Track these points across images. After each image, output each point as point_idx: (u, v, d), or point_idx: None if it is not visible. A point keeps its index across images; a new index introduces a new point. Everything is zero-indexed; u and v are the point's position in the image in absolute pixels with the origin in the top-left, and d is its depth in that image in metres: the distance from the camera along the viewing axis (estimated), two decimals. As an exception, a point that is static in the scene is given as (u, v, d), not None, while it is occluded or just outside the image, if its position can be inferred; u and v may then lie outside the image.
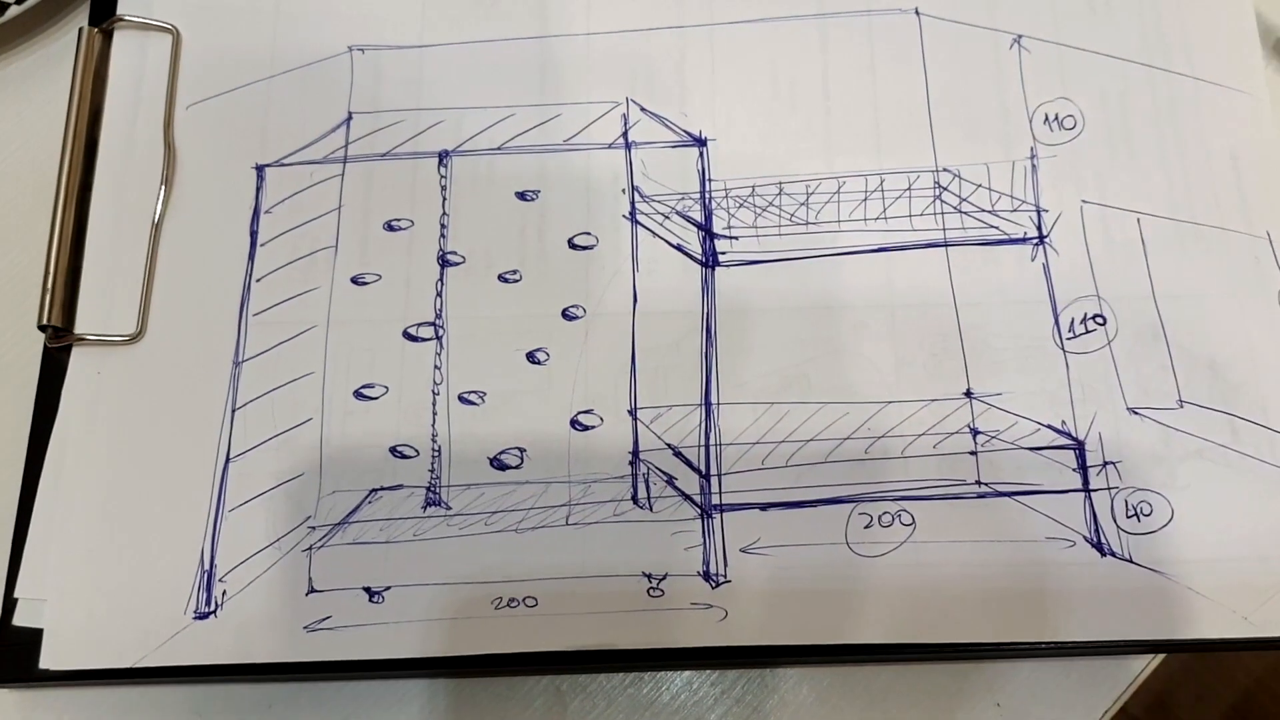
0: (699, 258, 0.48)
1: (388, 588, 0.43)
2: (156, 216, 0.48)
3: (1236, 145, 0.48)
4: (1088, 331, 0.46)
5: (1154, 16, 0.50)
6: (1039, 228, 0.47)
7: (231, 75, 0.51)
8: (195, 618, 0.43)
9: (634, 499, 0.45)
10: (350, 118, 0.50)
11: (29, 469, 0.45)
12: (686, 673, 0.44)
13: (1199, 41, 0.49)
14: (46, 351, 0.47)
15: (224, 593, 0.43)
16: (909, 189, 0.48)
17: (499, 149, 0.49)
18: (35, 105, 0.52)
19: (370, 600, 0.43)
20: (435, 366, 0.46)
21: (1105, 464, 0.44)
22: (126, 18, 0.51)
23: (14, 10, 0.50)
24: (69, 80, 0.50)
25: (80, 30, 0.50)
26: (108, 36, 0.51)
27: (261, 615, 0.43)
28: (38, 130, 0.51)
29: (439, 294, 0.47)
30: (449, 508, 0.45)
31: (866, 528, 0.43)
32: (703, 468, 0.45)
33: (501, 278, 0.48)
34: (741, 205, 0.48)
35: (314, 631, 0.43)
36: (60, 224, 0.48)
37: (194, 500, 0.44)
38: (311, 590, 0.43)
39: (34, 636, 0.43)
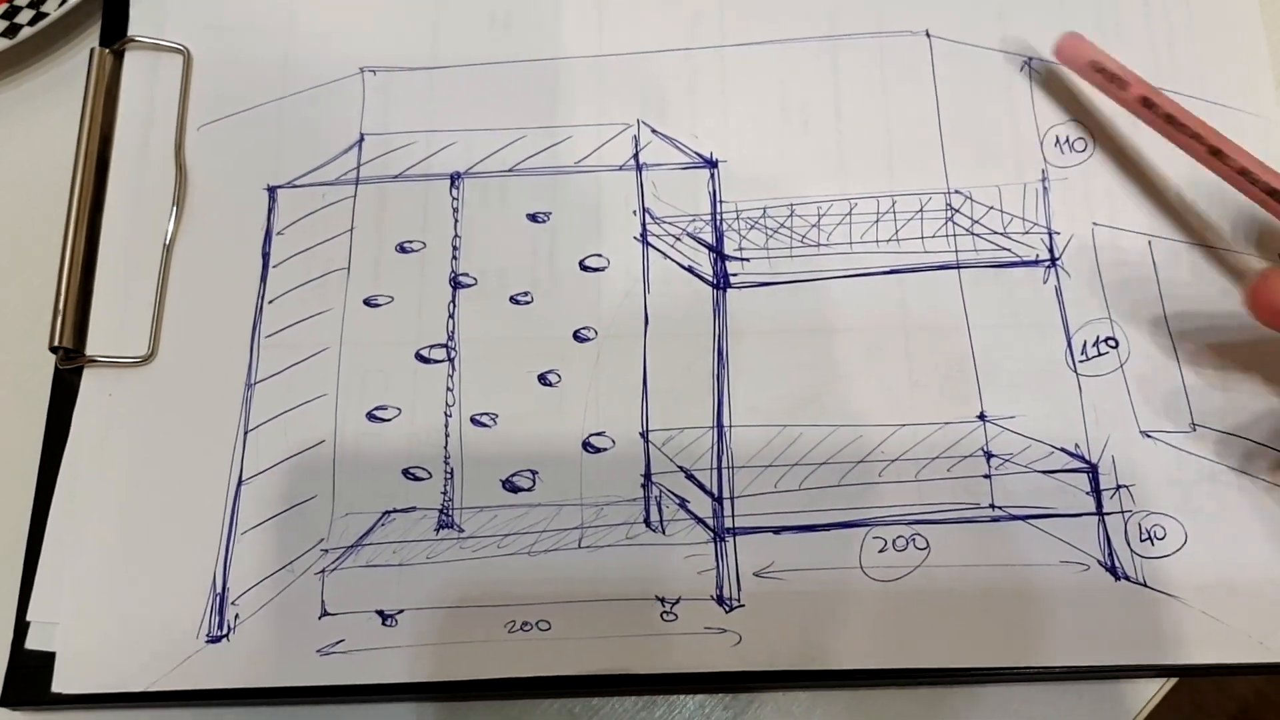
0: (710, 279, 0.48)
1: (401, 611, 0.43)
2: (168, 238, 0.48)
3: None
4: (1100, 354, 0.46)
5: (1165, 39, 0.50)
6: (1050, 250, 0.47)
7: (243, 96, 0.51)
8: (208, 641, 0.43)
9: (646, 522, 0.44)
10: (362, 139, 0.50)
11: (40, 491, 0.45)
12: (699, 696, 0.44)
13: (1209, 64, 0.50)
14: (58, 373, 0.47)
15: (236, 616, 0.43)
16: (921, 211, 0.48)
17: (510, 171, 0.49)
18: (47, 125, 0.52)
19: (383, 623, 0.43)
20: (448, 388, 0.46)
21: (1119, 487, 0.44)
22: (137, 39, 0.51)
23: (26, 31, 0.50)
24: (80, 100, 0.50)
25: (91, 51, 0.50)
26: (119, 57, 0.51)
27: (274, 639, 0.43)
28: (49, 150, 0.51)
29: (451, 316, 0.47)
30: (462, 530, 0.45)
31: (881, 551, 0.43)
32: (715, 491, 0.45)
33: (513, 299, 0.48)
34: (753, 227, 0.48)
35: (327, 655, 0.42)
36: (71, 245, 0.48)
37: (206, 523, 0.44)
38: (324, 613, 0.43)
39: (47, 660, 0.43)
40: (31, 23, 0.50)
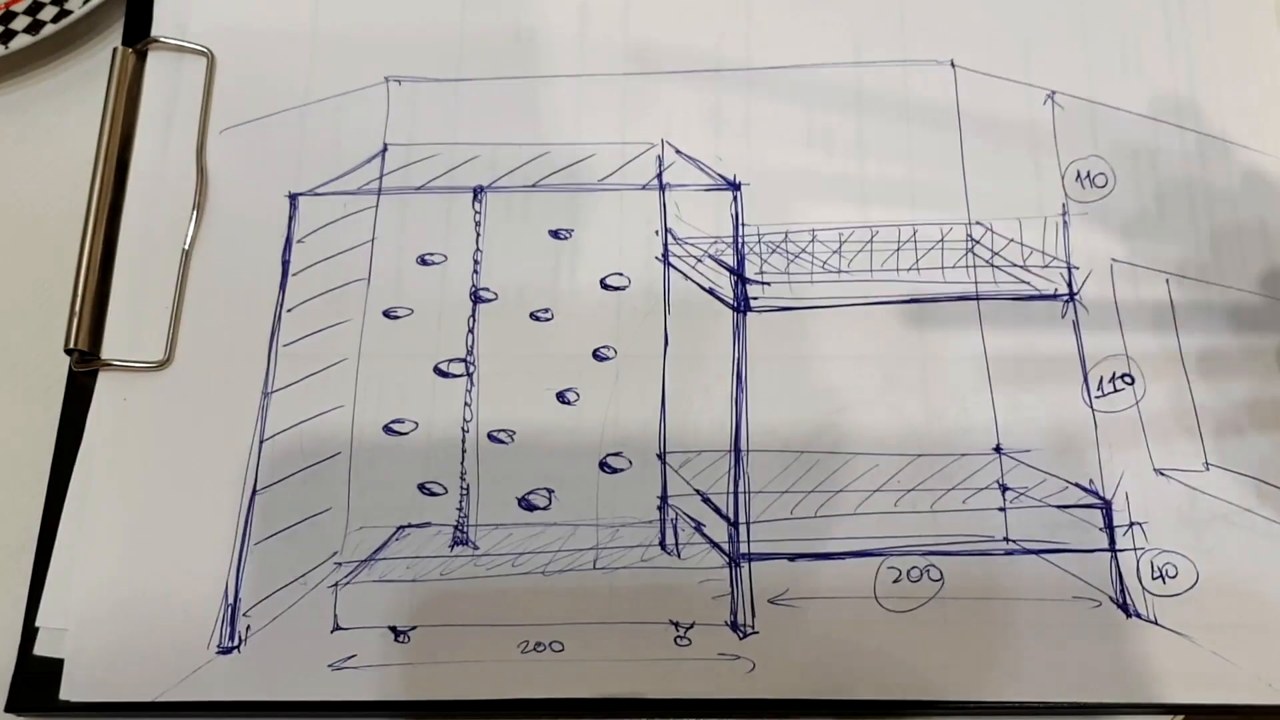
0: (731, 302, 0.48)
1: (413, 627, 0.43)
2: (187, 242, 0.48)
3: (1266, 210, 0.49)
4: (1116, 390, 0.46)
5: (1187, 78, 0.50)
6: (1069, 284, 0.48)
7: (266, 101, 0.50)
8: (218, 652, 0.43)
9: (662, 545, 0.44)
10: (385, 149, 0.50)
11: (52, 495, 0.45)
12: (710, 721, 0.44)
13: (1231, 104, 0.50)
14: (72, 376, 0.47)
15: (248, 627, 0.43)
16: (942, 241, 0.48)
17: (533, 186, 0.49)
18: (68, 122, 0.51)
19: (395, 640, 0.43)
20: (465, 403, 0.46)
21: (1131, 524, 0.44)
22: (161, 39, 0.51)
23: (50, 28, 0.49)
24: (101, 100, 0.49)
25: (115, 50, 0.50)
26: (141, 57, 0.51)
27: (286, 652, 0.43)
28: (70, 147, 0.50)
29: (470, 330, 0.47)
30: (477, 547, 0.44)
31: (895, 582, 0.43)
32: (731, 515, 0.45)
33: (533, 316, 0.48)
34: (774, 251, 0.48)
35: (338, 670, 0.42)
36: (89, 245, 0.47)
37: (219, 532, 0.44)
38: (337, 628, 0.43)
39: (55, 666, 0.42)
40: (55, 19, 0.50)
